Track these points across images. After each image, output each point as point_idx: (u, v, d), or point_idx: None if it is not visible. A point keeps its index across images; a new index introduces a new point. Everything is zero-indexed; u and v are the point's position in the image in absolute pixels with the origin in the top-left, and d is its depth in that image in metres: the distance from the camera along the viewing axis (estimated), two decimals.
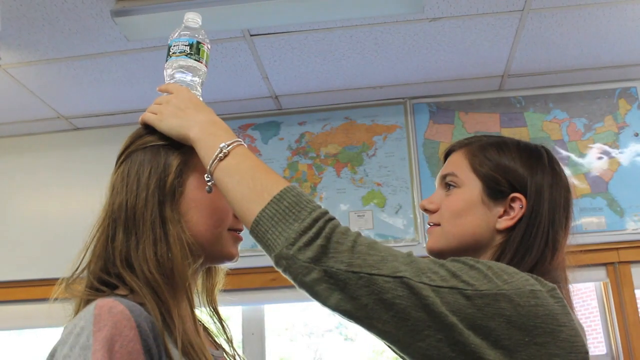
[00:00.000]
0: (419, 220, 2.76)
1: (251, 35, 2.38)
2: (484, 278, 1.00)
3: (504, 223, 1.18)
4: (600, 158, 2.77)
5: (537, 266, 1.12)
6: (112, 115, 2.93)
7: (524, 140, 1.28)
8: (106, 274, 1.00)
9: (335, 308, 0.98)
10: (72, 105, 2.87)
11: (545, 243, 1.15)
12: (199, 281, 1.15)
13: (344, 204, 2.83)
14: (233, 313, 2.97)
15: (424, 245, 2.72)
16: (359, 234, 1.01)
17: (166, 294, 0.96)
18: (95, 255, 1.03)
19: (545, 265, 1.13)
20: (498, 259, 1.15)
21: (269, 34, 2.38)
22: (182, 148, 1.08)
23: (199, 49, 1.17)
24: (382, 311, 0.97)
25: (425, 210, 1.27)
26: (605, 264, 2.68)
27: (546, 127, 2.84)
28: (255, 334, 2.83)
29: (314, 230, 0.97)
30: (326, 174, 2.89)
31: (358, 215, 2.80)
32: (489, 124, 2.87)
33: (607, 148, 2.78)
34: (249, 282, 2.74)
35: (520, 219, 1.17)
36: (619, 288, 2.66)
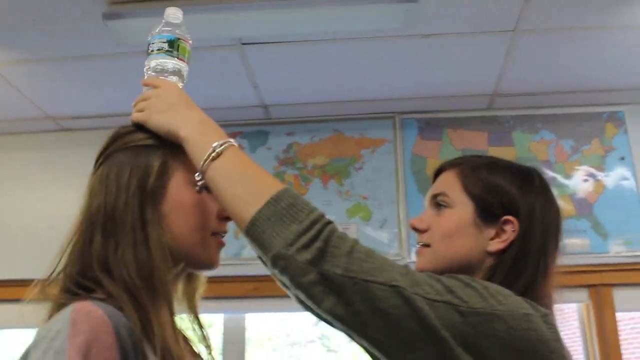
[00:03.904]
0: (403, 235, 2.76)
1: (242, 44, 2.38)
2: (478, 296, 0.99)
3: (496, 246, 1.16)
4: (586, 180, 2.79)
5: (529, 291, 1.11)
6: (101, 118, 2.91)
7: (515, 161, 1.28)
8: (83, 278, 0.97)
9: (328, 312, 0.98)
10: (60, 106, 2.85)
11: (536, 267, 1.14)
12: (179, 287, 1.12)
13: (329, 215, 2.80)
14: (214, 321, 2.95)
15: (408, 261, 2.74)
16: (356, 241, 1.00)
17: (145, 299, 0.93)
18: (72, 259, 0.99)
19: (536, 290, 1.12)
20: (488, 281, 1.12)
21: (260, 43, 2.38)
22: (164, 148, 1.05)
23: (179, 45, 1.13)
24: (375, 319, 0.96)
25: (415, 229, 1.25)
26: (587, 286, 2.69)
27: (533, 147, 2.85)
28: (235, 343, 2.81)
29: (312, 232, 0.96)
30: (312, 185, 2.88)
31: (343, 228, 2.75)
32: (477, 142, 2.87)
33: (593, 170, 2.80)
34: (230, 291, 2.72)
35: (512, 242, 1.15)
36: (601, 310, 2.66)
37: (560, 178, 2.79)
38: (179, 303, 1.11)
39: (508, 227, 1.16)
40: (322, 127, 2.97)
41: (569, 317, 3.00)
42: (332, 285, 0.96)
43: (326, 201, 2.84)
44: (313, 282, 0.96)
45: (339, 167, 2.90)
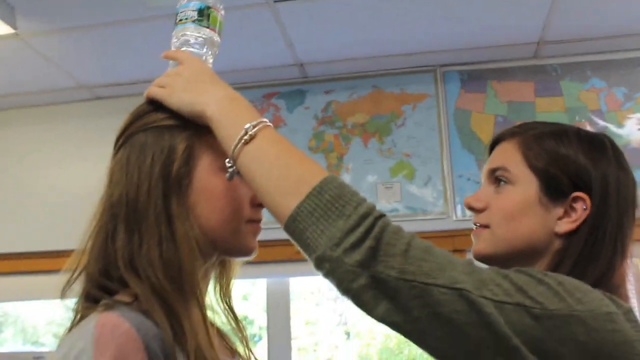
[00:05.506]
0: (448, 193, 2.68)
1: (275, 1, 2.29)
2: (554, 295, 0.87)
3: (565, 226, 1.04)
4: None
5: (605, 278, 0.99)
6: (134, 84, 2.87)
7: (583, 128, 1.13)
8: (106, 278, 0.90)
9: (382, 319, 0.87)
10: (92, 74, 2.81)
11: (613, 250, 1.01)
12: (213, 274, 1.04)
13: (371, 175, 2.75)
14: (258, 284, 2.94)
15: (454, 219, 2.67)
16: (413, 236, 0.88)
17: (175, 301, 0.86)
18: (94, 256, 0.91)
19: (613, 277, 1.00)
20: (556, 268, 1.02)
21: None
22: (190, 129, 0.95)
23: (209, 14, 1.02)
24: (436, 326, 0.85)
25: (471, 208, 1.13)
26: None
27: (583, 96, 2.72)
28: (280, 306, 2.79)
29: (361, 229, 0.84)
30: (353, 144, 2.80)
31: (386, 187, 2.72)
32: (523, 93, 2.75)
33: None
34: (274, 255, 2.68)
35: (583, 222, 1.03)
36: None
37: (612, 128, 2.66)
38: (212, 292, 1.04)
39: (579, 205, 1.04)
40: (361, 83, 2.88)
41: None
42: (386, 290, 0.85)
43: (367, 160, 2.77)
44: (364, 287, 0.85)
45: (380, 124, 2.81)
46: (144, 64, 2.69)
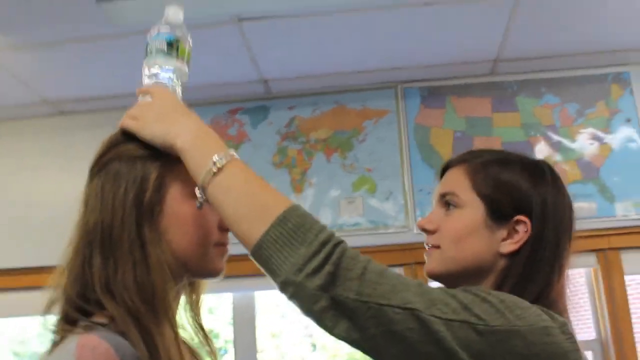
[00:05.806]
0: (409, 206, 2.74)
1: (240, 20, 2.34)
2: (496, 312, 0.96)
3: (508, 247, 1.13)
4: (591, 144, 2.76)
5: (544, 294, 1.08)
6: (99, 100, 2.88)
7: (524, 155, 1.24)
8: (83, 300, 0.94)
9: (342, 337, 0.94)
10: (57, 90, 2.81)
11: (551, 269, 1.11)
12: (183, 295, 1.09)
13: (334, 190, 2.81)
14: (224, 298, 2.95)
15: (415, 232, 2.73)
16: (369, 260, 0.96)
17: (148, 322, 0.90)
18: (72, 279, 0.95)
19: (552, 293, 1.09)
20: (500, 285, 1.11)
21: (258, 18, 2.33)
22: (161, 159, 0.99)
23: (178, 46, 1.08)
24: (390, 344, 0.93)
25: (424, 230, 1.22)
26: (595, 251, 2.67)
27: (538, 112, 2.82)
28: (246, 320, 2.81)
29: (321, 255, 0.92)
30: (316, 159, 2.85)
31: (348, 202, 2.78)
32: (481, 109, 2.84)
33: (598, 133, 2.76)
34: (239, 269, 2.70)
35: (524, 243, 1.12)
36: (609, 274, 2.65)
37: (565, 142, 2.76)
38: (182, 310, 1.09)
39: (520, 228, 1.13)
40: (323, 99, 2.93)
41: (576, 281, 3.00)
42: (345, 310, 0.92)
43: (330, 175, 2.82)
44: (325, 308, 0.92)
45: (342, 139, 2.87)
46: (109, 80, 2.71)
